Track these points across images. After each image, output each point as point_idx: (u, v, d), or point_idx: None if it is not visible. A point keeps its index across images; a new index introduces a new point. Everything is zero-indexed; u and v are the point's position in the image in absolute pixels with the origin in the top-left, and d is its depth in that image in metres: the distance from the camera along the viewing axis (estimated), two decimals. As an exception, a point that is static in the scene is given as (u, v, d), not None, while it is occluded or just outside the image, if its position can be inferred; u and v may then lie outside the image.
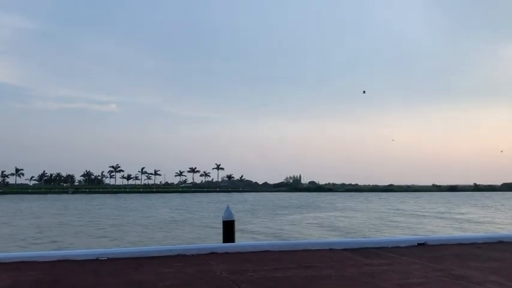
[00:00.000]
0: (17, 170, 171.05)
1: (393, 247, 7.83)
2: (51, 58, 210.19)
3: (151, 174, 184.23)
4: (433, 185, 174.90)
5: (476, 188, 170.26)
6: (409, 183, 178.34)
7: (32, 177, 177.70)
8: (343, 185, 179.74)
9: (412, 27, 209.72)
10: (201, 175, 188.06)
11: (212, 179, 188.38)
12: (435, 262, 6.45)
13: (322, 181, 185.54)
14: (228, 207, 10.09)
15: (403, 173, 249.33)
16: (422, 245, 8.06)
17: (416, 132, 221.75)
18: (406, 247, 7.88)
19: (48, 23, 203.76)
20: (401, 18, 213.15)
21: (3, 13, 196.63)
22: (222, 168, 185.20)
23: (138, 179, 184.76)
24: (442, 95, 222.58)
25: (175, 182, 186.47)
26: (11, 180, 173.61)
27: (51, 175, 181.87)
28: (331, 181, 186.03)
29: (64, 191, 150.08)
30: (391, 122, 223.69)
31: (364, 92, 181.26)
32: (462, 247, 7.96)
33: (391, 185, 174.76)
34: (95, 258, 6.78)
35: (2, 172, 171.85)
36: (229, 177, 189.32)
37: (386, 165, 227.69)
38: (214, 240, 19.26)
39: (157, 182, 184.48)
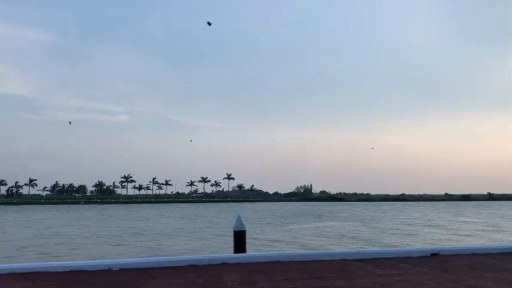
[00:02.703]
0: (31, 181, 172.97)
1: (406, 257, 7.76)
2: (63, 70, 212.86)
3: (163, 184, 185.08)
4: (445, 194, 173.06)
5: (490, 197, 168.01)
6: (421, 192, 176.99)
7: (45, 187, 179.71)
8: (354, 194, 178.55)
9: (422, 36, 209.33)
10: (211, 185, 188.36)
11: (223, 189, 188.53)
12: (448, 273, 6.38)
13: (333, 190, 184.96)
14: (239, 217, 10.06)
15: (415, 182, 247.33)
16: (435, 255, 7.98)
17: (427, 141, 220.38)
18: (418, 257, 7.80)
19: (60, 35, 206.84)
20: (408, 25, 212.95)
21: (17, 26, 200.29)
22: (233, 178, 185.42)
23: (150, 189, 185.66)
24: (454, 103, 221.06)
25: (186, 192, 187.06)
26: (24, 190, 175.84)
27: (63, 186, 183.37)
28: (343, 190, 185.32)
29: (76, 202, 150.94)
30: (402, 130, 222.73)
31: None
32: (476, 257, 7.86)
33: (402, 194, 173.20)
34: (106, 268, 6.82)
35: (16, 183, 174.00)
36: (240, 187, 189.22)
37: (397, 174, 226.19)
38: (225, 251, 19.25)
39: (169, 192, 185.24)
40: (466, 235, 30.31)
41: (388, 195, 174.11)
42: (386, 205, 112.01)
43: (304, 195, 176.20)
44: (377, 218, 53.16)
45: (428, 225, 39.02)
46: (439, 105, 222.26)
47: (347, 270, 6.70)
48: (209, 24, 46.51)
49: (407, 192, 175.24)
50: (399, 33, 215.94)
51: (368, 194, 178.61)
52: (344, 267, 6.90)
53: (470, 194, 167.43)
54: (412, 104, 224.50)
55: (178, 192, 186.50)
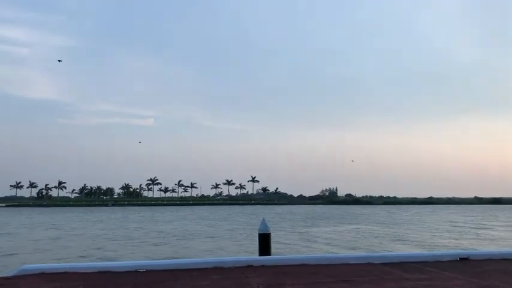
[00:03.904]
0: (60, 183, 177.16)
1: (434, 261, 7.60)
2: (92, 75, 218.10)
3: (188, 187, 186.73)
4: (475, 197, 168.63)
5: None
6: (449, 196, 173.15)
7: (74, 190, 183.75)
8: (381, 197, 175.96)
9: (447, 38, 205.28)
10: (236, 187, 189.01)
11: (247, 192, 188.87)
12: (478, 278, 6.21)
13: (359, 193, 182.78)
14: (264, 219, 10.04)
15: (443, 185, 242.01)
16: (464, 260, 7.78)
17: (456, 143, 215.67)
18: (447, 262, 7.63)
19: (89, 41, 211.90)
20: (437, 27, 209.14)
21: (49, 34, 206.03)
22: (257, 181, 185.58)
23: (175, 192, 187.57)
24: (485, 105, 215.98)
25: (211, 195, 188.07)
26: (54, 193, 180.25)
27: (91, 188, 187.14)
28: (369, 193, 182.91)
29: (104, 204, 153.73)
30: (430, 132, 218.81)
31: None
32: (508, 262, 7.63)
33: (430, 198, 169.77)
34: (134, 270, 6.91)
35: (46, 185, 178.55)
36: (264, 189, 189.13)
37: (425, 177, 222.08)
38: (250, 253, 19.26)
39: (194, 195, 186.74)
40: (496, 239, 29.49)
41: (415, 198, 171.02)
42: (414, 208, 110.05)
43: (329, 198, 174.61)
44: (403, 221, 52.26)
45: (456, 229, 38.13)
46: (469, 107, 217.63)
47: (374, 274, 6.61)
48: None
49: (435, 195, 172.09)
50: (429, 34, 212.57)
51: (395, 197, 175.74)
52: (371, 271, 6.81)
53: (501, 198, 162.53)
54: (441, 106, 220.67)
55: (203, 194, 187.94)
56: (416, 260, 7.70)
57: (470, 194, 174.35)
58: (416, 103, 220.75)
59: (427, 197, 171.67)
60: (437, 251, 17.52)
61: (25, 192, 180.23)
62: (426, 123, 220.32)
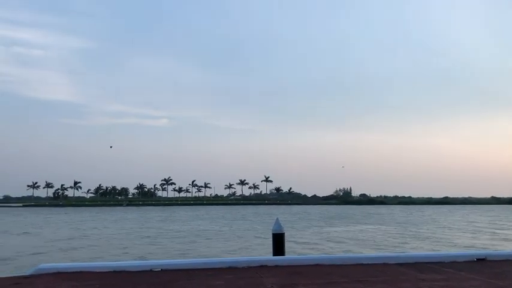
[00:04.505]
0: (75, 183, 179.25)
1: (450, 262, 7.50)
2: (104, 76, 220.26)
3: (202, 186, 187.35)
4: (492, 197, 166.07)
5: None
6: (465, 195, 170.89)
7: (89, 190, 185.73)
8: (395, 197, 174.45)
9: (464, 36, 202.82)
10: (249, 187, 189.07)
11: (261, 192, 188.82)
12: (496, 279, 6.11)
13: (373, 193, 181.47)
14: (277, 219, 10.02)
15: (459, 185, 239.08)
16: (481, 261, 7.67)
17: (474, 143, 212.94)
18: (464, 262, 7.53)
19: (102, 42, 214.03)
20: (459, 25, 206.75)
21: (64, 35, 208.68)
22: (271, 181, 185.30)
23: (189, 192, 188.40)
24: (502, 104, 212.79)
25: (225, 195, 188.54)
26: (69, 193, 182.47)
27: (106, 188, 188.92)
28: (383, 193, 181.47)
29: (119, 204, 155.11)
30: (446, 132, 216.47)
31: None
32: None
33: (446, 198, 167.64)
34: (148, 269, 6.96)
35: (62, 185, 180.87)
36: (278, 189, 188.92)
37: (440, 176, 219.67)
38: (264, 253, 19.25)
39: (208, 195, 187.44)
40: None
41: (430, 198, 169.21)
42: (429, 208, 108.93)
43: (343, 198, 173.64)
44: (417, 221, 51.76)
45: (472, 229, 37.64)
46: (487, 106, 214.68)
47: (388, 274, 6.55)
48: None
49: (451, 195, 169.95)
50: (450, 32, 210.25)
51: (410, 197, 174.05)
52: (385, 271, 6.75)
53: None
54: (458, 105, 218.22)
55: (216, 194, 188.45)
56: (432, 261, 7.61)
57: (487, 194, 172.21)
58: (433, 102, 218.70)
59: (442, 196, 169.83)
60: (453, 252, 17.31)
61: (41, 192, 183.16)
62: (443, 122, 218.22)
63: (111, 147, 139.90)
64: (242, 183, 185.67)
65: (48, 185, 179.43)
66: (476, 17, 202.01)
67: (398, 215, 71.18)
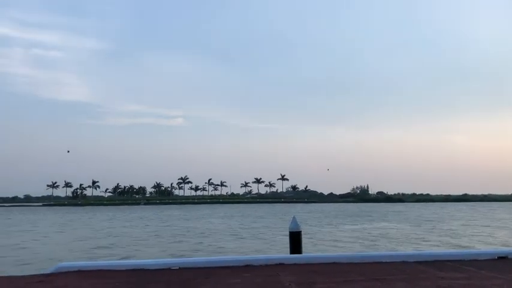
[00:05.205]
0: (94, 183, 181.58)
1: (470, 260, 7.38)
2: (121, 76, 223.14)
3: (218, 185, 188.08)
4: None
5: None
6: (485, 192, 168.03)
7: (107, 189, 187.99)
8: (413, 195, 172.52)
9: (493, 31, 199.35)
10: (265, 185, 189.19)
11: (277, 190, 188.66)
12: (519, 277, 6.00)
13: (391, 191, 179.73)
14: (294, 218, 10.01)
15: (479, 182, 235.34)
16: (503, 259, 7.53)
17: (494, 139, 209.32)
18: (485, 260, 7.41)
19: (117, 42, 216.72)
20: (481, 20, 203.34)
21: (80, 37, 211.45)
22: (287, 179, 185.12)
23: (206, 190, 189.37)
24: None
25: (241, 193, 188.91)
26: (88, 192, 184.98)
27: (124, 187, 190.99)
28: (400, 191, 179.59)
29: (136, 203, 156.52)
30: (465, 129, 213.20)
31: None
32: None
33: (465, 195, 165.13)
34: (167, 267, 7.02)
35: (80, 185, 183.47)
36: (294, 187, 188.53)
37: (459, 173, 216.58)
38: (281, 251, 19.24)
39: (224, 193, 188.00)
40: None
41: (449, 195, 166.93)
42: (448, 205, 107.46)
43: (360, 196, 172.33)
44: (436, 218, 51.10)
45: (496, 225, 37.00)
46: (507, 102, 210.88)
47: (407, 272, 6.48)
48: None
49: (470, 192, 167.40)
50: (469, 28, 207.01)
51: (428, 195, 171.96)
52: (404, 270, 6.68)
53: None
54: (478, 102, 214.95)
55: (233, 193, 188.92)
56: (452, 258, 7.50)
57: (507, 191, 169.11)
58: (453, 99, 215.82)
59: (461, 194, 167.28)
60: (474, 249, 17.06)
61: (61, 192, 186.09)
62: (463, 119, 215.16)
63: (68, 151, 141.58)
64: (258, 181, 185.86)
65: (67, 185, 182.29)
66: (496, 9, 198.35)
67: (416, 212, 70.39)
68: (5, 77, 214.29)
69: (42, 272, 6.85)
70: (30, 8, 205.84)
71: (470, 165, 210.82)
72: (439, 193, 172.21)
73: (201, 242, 26.54)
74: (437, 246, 23.61)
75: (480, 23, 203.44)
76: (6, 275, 6.86)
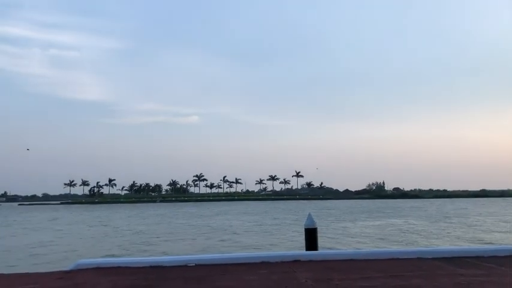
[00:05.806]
0: (110, 181, 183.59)
1: (490, 256, 7.26)
2: (135, 75, 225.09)
3: (233, 182, 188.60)
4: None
5: None
6: (504, 188, 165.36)
7: (123, 187, 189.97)
8: (430, 190, 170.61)
9: (497, 28, 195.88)
10: (280, 182, 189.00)
11: (292, 187, 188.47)
12: (539, 273, 5.90)
13: (407, 187, 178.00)
14: (310, 214, 9.98)
15: (497, 177, 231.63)
16: None
17: (510, 133, 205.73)
18: (504, 257, 7.27)
19: (132, 42, 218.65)
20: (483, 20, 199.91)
21: (96, 36, 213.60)
22: (302, 176, 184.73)
23: (221, 188, 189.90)
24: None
25: (256, 190, 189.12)
26: (105, 190, 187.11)
27: (140, 185, 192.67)
28: (417, 187, 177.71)
29: (152, 200, 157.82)
30: (483, 123, 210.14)
31: None
32: None
33: (483, 190, 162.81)
34: (183, 264, 7.07)
35: (97, 183, 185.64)
36: (309, 184, 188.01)
37: (476, 169, 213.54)
38: (296, 248, 19.22)
39: (239, 190, 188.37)
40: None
41: (466, 190, 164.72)
42: (466, 201, 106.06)
43: (376, 192, 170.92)
44: (453, 214, 50.49)
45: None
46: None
47: (424, 269, 6.42)
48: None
49: (488, 188, 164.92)
50: (483, 22, 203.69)
51: (445, 190, 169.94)
52: (421, 266, 6.62)
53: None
54: (495, 96, 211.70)
55: (248, 190, 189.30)
56: (471, 255, 7.39)
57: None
58: (469, 93, 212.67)
59: (479, 189, 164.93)
60: (493, 246, 16.82)
61: (78, 190, 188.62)
62: (480, 113, 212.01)
63: (28, 149, 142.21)
64: (273, 178, 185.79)
65: (84, 183, 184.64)
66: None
67: (434, 208, 69.64)
68: (24, 78, 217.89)
69: (62, 269, 6.95)
70: (46, 9, 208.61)
71: (488, 160, 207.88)
72: (456, 189, 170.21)
73: (223, 240, 26.68)
74: (472, 242, 23.34)
75: (502, 14, 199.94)
76: (26, 271, 6.98)
